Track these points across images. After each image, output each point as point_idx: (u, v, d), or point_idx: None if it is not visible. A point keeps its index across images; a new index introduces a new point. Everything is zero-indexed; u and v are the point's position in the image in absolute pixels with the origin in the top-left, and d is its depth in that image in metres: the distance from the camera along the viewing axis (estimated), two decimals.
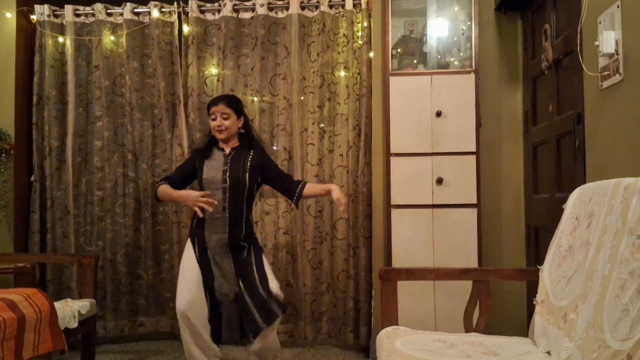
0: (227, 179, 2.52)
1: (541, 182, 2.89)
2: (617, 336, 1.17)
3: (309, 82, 3.41)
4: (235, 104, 2.64)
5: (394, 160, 2.97)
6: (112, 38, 3.52)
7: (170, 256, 3.42)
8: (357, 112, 3.34)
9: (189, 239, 2.60)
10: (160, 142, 3.49)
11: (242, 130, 2.67)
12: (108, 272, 3.43)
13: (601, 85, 1.93)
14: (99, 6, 3.50)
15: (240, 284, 2.49)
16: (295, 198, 2.59)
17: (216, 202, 2.46)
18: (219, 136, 2.60)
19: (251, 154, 2.62)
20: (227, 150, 2.62)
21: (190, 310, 2.43)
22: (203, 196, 2.44)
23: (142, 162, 3.47)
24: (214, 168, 2.56)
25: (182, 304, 2.43)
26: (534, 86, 2.99)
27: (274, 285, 2.49)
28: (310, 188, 2.62)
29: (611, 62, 1.84)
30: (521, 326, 2.97)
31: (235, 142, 2.65)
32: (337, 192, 2.51)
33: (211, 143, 2.66)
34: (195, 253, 2.54)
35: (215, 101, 2.64)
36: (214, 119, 2.59)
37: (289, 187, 2.62)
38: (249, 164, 2.58)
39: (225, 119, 2.58)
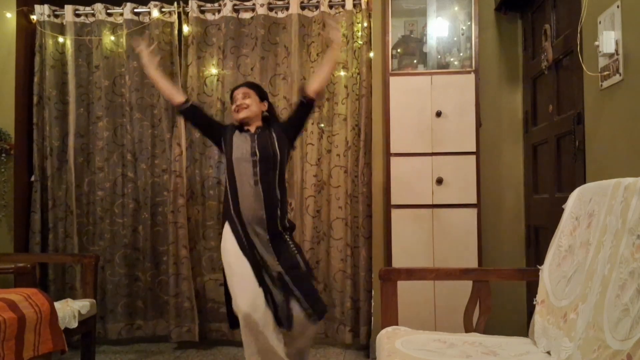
0: (257, 152, 2.46)
1: (541, 182, 2.89)
2: (617, 336, 1.17)
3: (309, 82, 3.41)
4: (257, 87, 2.65)
5: (394, 160, 2.97)
6: (112, 38, 3.52)
7: (168, 258, 3.40)
8: (356, 112, 3.34)
9: (226, 227, 2.47)
10: (159, 142, 3.49)
11: (265, 114, 2.63)
12: (107, 273, 3.43)
13: (601, 85, 1.93)
14: (99, 6, 3.50)
15: (280, 266, 2.40)
16: (304, 101, 2.55)
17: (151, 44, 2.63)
18: (239, 115, 2.54)
19: (274, 128, 2.58)
20: (253, 130, 2.56)
21: (256, 311, 2.24)
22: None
23: (141, 162, 3.47)
24: (242, 145, 2.50)
25: (245, 304, 2.24)
26: (534, 86, 2.99)
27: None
28: (314, 80, 2.61)
29: (611, 62, 1.84)
30: (521, 326, 2.97)
31: (259, 123, 2.59)
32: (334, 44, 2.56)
33: (237, 127, 2.61)
34: (237, 240, 2.40)
35: (237, 86, 2.66)
36: (234, 102, 2.58)
37: (298, 105, 2.61)
38: (275, 136, 2.53)
39: (245, 98, 2.55)
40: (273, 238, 2.45)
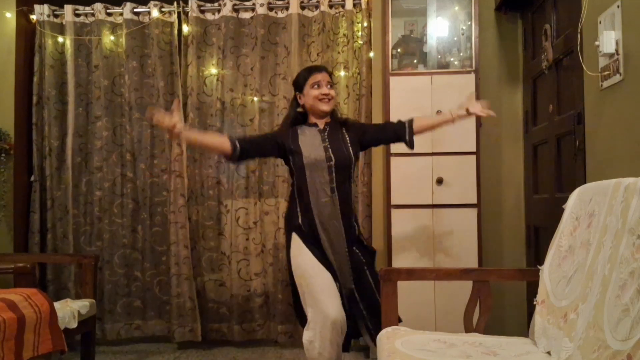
0: (332, 156, 2.22)
1: (541, 182, 2.89)
2: (618, 336, 1.17)
3: None
4: (332, 75, 2.39)
5: (394, 160, 2.97)
6: (112, 38, 3.52)
7: (167, 257, 3.40)
8: (357, 112, 3.34)
9: (294, 236, 2.24)
10: (159, 142, 3.48)
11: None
12: (105, 274, 3.42)
13: (601, 85, 1.93)
14: (98, 6, 3.49)
15: (353, 283, 2.24)
16: (407, 139, 2.29)
17: (175, 108, 2.09)
18: (324, 107, 2.28)
19: (345, 127, 2.34)
20: (322, 125, 2.31)
21: (341, 318, 2.11)
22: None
23: (140, 162, 3.47)
24: (313, 146, 2.24)
25: (334, 311, 2.08)
26: (534, 86, 2.99)
27: None
28: (420, 122, 2.31)
29: (611, 62, 1.84)
30: (521, 326, 2.97)
31: (328, 119, 2.34)
32: (472, 108, 2.20)
33: (296, 122, 2.36)
34: (312, 252, 2.19)
35: (318, 68, 2.34)
36: (317, 87, 2.26)
37: (396, 131, 2.32)
38: (348, 138, 2.28)
39: (331, 87, 2.29)
40: (350, 250, 2.25)
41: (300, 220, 2.24)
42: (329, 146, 2.24)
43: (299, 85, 2.36)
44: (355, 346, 3.28)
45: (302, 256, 2.20)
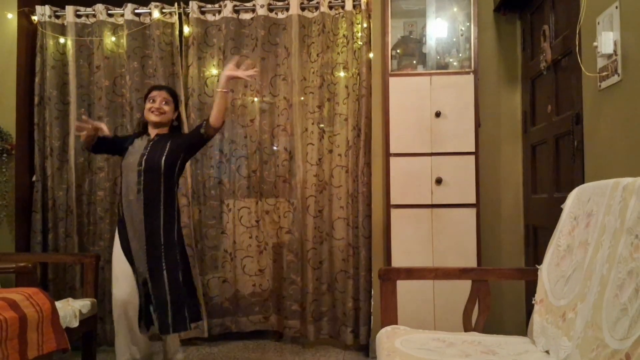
0: (143, 162, 2.53)
1: (540, 182, 2.91)
2: (616, 335, 1.18)
3: (309, 82, 3.42)
4: (176, 96, 2.74)
5: (393, 160, 2.98)
6: (113, 39, 3.52)
7: None
8: (356, 113, 3.35)
9: (117, 228, 2.63)
10: None
11: (175, 123, 2.74)
12: (107, 274, 3.41)
13: (599, 85, 1.94)
14: (99, 7, 3.50)
15: (148, 275, 2.51)
16: (202, 129, 2.59)
17: (84, 119, 2.56)
18: (154, 118, 2.61)
19: (173, 139, 2.63)
20: (152, 135, 2.64)
21: (131, 300, 2.49)
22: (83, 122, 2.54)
23: None
24: (134, 152, 2.58)
25: (122, 293, 2.49)
26: (533, 87, 3.00)
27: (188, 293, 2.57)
28: (212, 112, 2.58)
29: (610, 62, 1.85)
30: (520, 325, 2.98)
31: (164, 130, 2.67)
32: (228, 75, 2.52)
33: (142, 132, 2.70)
34: (120, 243, 2.57)
35: (158, 86, 2.75)
36: (152, 102, 2.62)
37: (194, 131, 2.66)
38: (168, 148, 2.57)
39: (165, 104, 2.63)
40: (150, 249, 2.51)
41: (120, 213, 2.61)
42: (146, 153, 2.55)
43: (144, 99, 2.72)
44: (355, 345, 3.30)
45: (114, 246, 2.60)
